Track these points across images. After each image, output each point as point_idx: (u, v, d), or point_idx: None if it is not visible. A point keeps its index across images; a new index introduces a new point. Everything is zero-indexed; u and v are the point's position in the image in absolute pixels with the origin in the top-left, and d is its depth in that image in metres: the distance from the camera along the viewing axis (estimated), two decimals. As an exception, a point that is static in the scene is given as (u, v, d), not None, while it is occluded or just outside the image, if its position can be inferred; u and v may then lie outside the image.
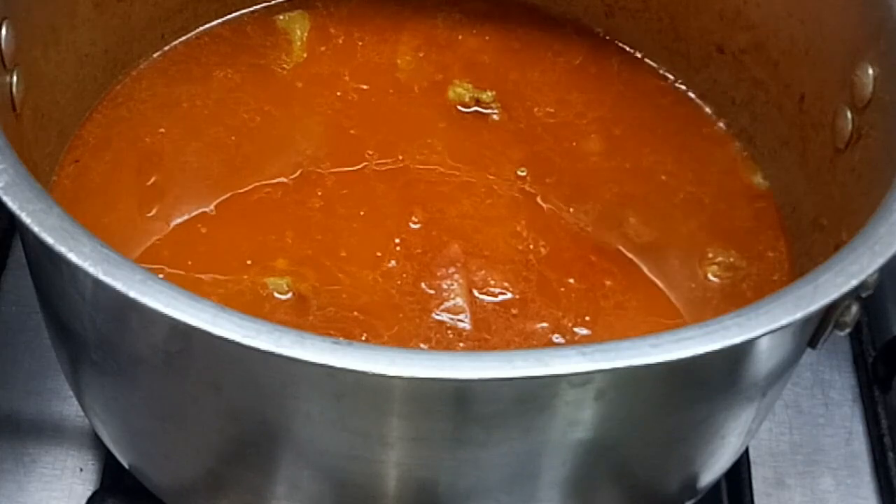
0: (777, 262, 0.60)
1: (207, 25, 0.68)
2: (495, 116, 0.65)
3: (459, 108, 0.65)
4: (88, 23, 0.61)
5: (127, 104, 0.63)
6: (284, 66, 0.66)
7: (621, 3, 0.68)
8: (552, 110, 0.65)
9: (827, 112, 0.58)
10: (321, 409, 0.44)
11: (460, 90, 0.66)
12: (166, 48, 0.66)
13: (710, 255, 0.59)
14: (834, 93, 0.57)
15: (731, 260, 0.59)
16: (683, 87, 0.67)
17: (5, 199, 0.43)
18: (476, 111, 0.65)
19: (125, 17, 0.63)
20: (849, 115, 0.56)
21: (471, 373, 0.39)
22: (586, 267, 0.58)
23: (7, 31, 0.52)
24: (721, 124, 0.66)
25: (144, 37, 0.65)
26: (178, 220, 0.59)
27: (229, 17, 0.68)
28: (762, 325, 0.41)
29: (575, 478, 0.47)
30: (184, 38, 0.67)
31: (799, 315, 0.41)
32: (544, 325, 0.56)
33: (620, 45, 0.69)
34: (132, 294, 0.40)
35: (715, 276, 0.59)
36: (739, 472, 0.61)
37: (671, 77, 0.68)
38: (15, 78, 0.53)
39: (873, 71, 0.54)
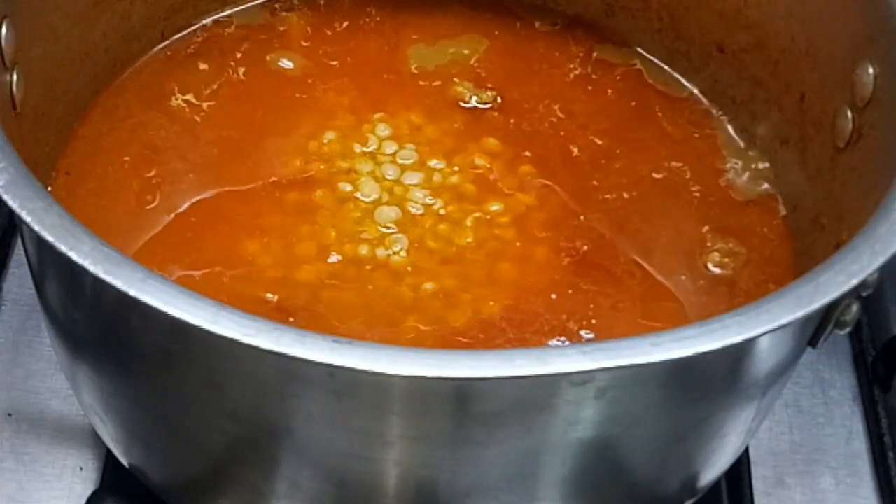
0: (779, 259, 0.60)
1: (206, 21, 0.68)
2: (495, 115, 0.65)
3: (461, 104, 0.65)
4: (88, 21, 0.61)
5: (124, 103, 0.63)
6: (283, 62, 0.66)
7: (621, 3, 0.68)
8: (553, 109, 0.65)
9: (827, 111, 0.58)
10: (321, 408, 0.43)
11: (460, 89, 0.66)
12: (164, 45, 0.66)
13: (712, 252, 0.59)
14: (834, 92, 0.57)
15: (731, 255, 0.59)
16: (685, 85, 0.67)
17: (5, 197, 0.43)
18: (475, 109, 0.65)
19: (125, 16, 0.63)
20: (849, 114, 0.56)
21: (471, 372, 0.39)
22: (585, 267, 0.58)
23: (7, 29, 0.52)
24: (723, 122, 0.66)
25: (144, 35, 0.65)
26: (175, 220, 0.59)
27: (229, 12, 0.68)
28: (762, 324, 0.41)
29: (575, 477, 0.47)
30: (183, 34, 0.67)
31: (799, 314, 0.41)
32: (545, 327, 0.56)
33: (621, 43, 0.69)
34: (132, 292, 0.40)
35: (716, 265, 0.59)
36: (739, 472, 0.61)
37: (674, 75, 0.67)
38: (15, 76, 0.53)
39: (874, 70, 0.54)
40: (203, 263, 0.57)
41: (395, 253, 0.58)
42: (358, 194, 0.60)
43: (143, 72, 0.65)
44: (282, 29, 0.68)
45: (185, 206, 0.59)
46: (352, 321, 0.55)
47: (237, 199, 0.60)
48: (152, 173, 0.60)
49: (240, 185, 0.60)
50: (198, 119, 0.63)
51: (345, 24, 0.68)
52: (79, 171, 0.60)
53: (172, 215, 0.59)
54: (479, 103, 0.65)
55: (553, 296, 0.57)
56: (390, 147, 0.62)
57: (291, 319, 0.54)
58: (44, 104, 0.57)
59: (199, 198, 0.60)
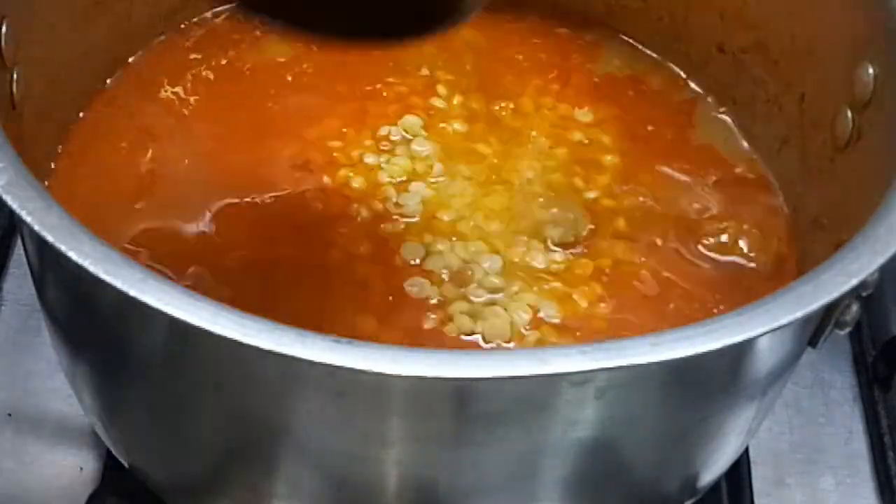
0: (779, 259, 0.60)
1: (204, 17, 0.67)
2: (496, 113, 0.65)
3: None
4: (88, 21, 0.61)
5: (119, 102, 0.63)
6: (280, 58, 0.66)
7: (622, 2, 0.69)
8: (550, 107, 0.65)
9: (827, 111, 0.58)
10: (321, 408, 0.44)
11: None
12: (160, 40, 0.66)
13: (711, 252, 0.59)
14: (834, 92, 0.57)
15: (731, 255, 0.59)
16: (685, 85, 0.67)
17: (5, 197, 0.43)
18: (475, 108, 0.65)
19: (125, 16, 0.63)
20: (849, 114, 0.56)
21: (472, 372, 0.39)
22: (585, 266, 0.58)
23: (7, 29, 0.52)
24: (722, 122, 0.66)
25: (144, 35, 0.65)
26: (171, 218, 0.58)
27: (225, 8, 0.68)
28: (762, 324, 0.41)
29: (575, 477, 0.47)
30: (181, 32, 0.67)
31: (799, 314, 0.41)
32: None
33: (621, 43, 0.69)
34: (132, 292, 0.40)
35: (716, 264, 0.59)
36: (739, 472, 0.61)
37: (675, 71, 0.67)
38: (15, 76, 0.53)
39: (874, 70, 0.54)
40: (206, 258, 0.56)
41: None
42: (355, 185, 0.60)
43: (140, 68, 0.65)
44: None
45: (182, 205, 0.59)
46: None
47: (234, 198, 0.60)
48: (148, 173, 0.60)
49: (239, 181, 0.60)
50: (192, 118, 0.63)
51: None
52: (75, 172, 0.60)
53: (168, 215, 0.58)
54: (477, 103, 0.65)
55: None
56: (388, 146, 0.62)
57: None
58: (43, 104, 0.57)
59: (193, 198, 0.59)
